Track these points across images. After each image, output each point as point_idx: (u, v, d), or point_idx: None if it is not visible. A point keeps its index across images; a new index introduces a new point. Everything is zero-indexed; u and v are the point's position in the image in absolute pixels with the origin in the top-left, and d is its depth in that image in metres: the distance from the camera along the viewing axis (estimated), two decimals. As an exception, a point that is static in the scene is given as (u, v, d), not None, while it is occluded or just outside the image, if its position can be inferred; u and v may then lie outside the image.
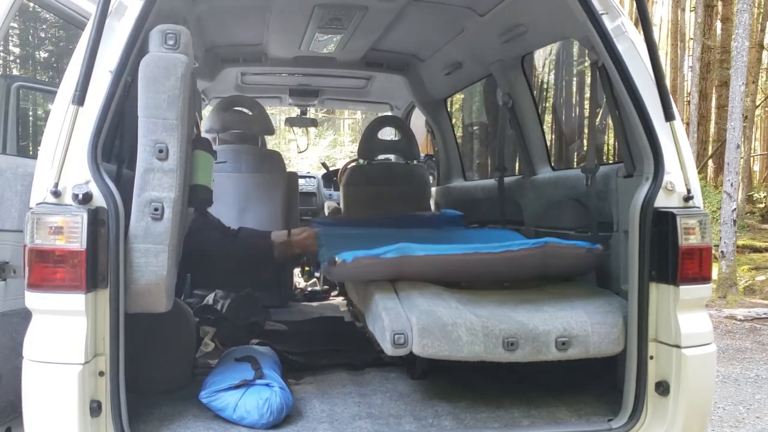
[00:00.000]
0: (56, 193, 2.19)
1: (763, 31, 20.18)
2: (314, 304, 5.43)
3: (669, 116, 2.56)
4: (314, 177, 7.65)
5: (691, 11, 22.82)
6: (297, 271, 6.00)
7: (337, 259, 2.59)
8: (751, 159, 23.37)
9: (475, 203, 4.99)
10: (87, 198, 2.19)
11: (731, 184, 10.43)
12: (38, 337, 2.20)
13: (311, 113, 7.67)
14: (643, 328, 2.55)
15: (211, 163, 3.07)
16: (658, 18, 28.96)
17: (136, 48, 2.40)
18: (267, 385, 2.65)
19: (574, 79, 13.12)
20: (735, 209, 10.64)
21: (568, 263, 2.92)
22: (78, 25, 3.34)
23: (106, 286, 2.23)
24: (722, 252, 10.39)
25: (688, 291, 2.50)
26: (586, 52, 3.14)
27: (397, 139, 5.91)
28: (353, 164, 6.15)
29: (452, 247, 2.83)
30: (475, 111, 7.91)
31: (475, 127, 7.94)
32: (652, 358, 2.55)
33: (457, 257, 2.78)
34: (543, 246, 2.79)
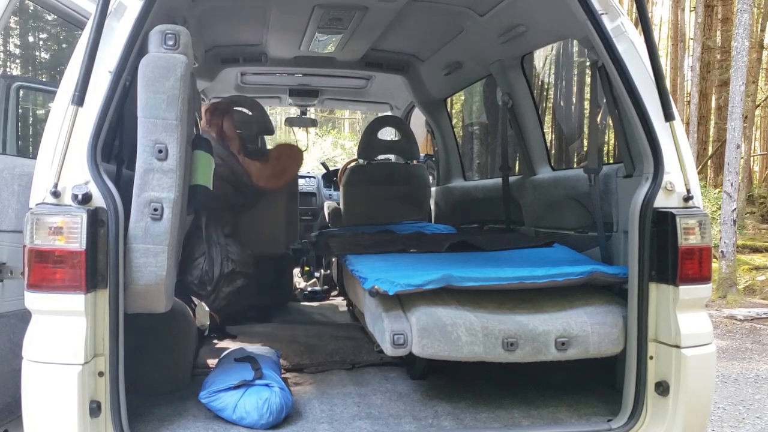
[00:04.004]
0: (56, 194, 2.19)
1: (763, 31, 20.18)
2: (314, 304, 5.43)
3: (669, 116, 2.56)
4: (314, 177, 7.65)
5: (691, 11, 22.84)
6: (297, 271, 6.00)
7: (378, 289, 2.60)
8: (751, 159, 23.37)
9: (475, 203, 4.99)
10: (86, 198, 2.19)
11: (731, 184, 10.42)
12: (38, 338, 2.20)
13: (311, 113, 7.66)
14: (642, 329, 2.55)
15: (211, 163, 3.07)
16: (658, 18, 28.97)
17: (135, 48, 2.39)
18: (266, 385, 2.65)
19: (574, 79, 13.12)
20: (735, 209, 10.64)
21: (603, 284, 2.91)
22: (78, 25, 3.34)
23: (105, 287, 2.23)
24: (722, 252, 10.39)
25: (687, 291, 2.50)
26: (586, 52, 3.14)
27: (397, 139, 5.91)
28: (353, 164, 6.15)
29: (496, 274, 2.77)
30: (475, 111, 7.92)
31: (475, 127, 7.94)
32: (651, 358, 2.55)
33: (502, 287, 2.75)
34: (588, 276, 2.76)
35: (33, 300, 2.20)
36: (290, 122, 6.95)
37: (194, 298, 3.69)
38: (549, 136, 10.75)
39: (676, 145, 2.56)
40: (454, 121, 6.80)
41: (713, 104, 19.81)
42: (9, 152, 3.15)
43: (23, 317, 2.28)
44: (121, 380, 2.27)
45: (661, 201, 2.54)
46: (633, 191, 2.63)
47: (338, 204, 6.18)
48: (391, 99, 6.39)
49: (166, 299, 2.48)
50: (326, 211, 6.68)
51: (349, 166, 5.98)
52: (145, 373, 2.78)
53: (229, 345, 3.51)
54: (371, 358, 3.45)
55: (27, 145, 4.68)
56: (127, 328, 2.31)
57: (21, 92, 3.43)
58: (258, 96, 5.71)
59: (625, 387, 2.62)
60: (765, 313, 9.05)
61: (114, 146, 2.58)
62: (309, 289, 5.76)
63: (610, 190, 3.08)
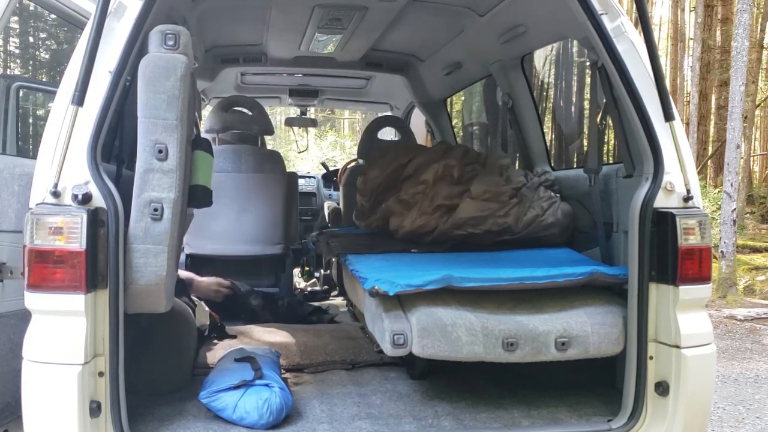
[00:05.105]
0: (56, 194, 2.19)
1: (763, 31, 20.17)
2: (314, 304, 5.42)
3: (668, 116, 2.56)
4: (314, 177, 7.65)
5: (691, 11, 22.84)
6: (297, 271, 6.00)
7: (378, 289, 2.60)
8: (751, 159, 23.37)
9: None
10: (87, 198, 2.19)
11: (731, 184, 10.42)
12: (38, 338, 2.20)
13: (311, 113, 7.67)
14: (642, 329, 2.55)
15: (211, 163, 3.07)
16: (658, 18, 28.97)
17: (135, 48, 2.39)
18: (266, 385, 2.65)
19: (574, 79, 13.12)
20: (735, 209, 10.64)
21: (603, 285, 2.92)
22: (78, 25, 3.35)
23: (105, 287, 2.22)
24: (722, 252, 10.39)
25: (687, 291, 2.50)
26: (586, 52, 3.14)
27: (397, 139, 5.90)
28: (353, 164, 6.14)
29: (497, 274, 2.77)
30: (475, 111, 7.91)
31: (475, 127, 7.94)
32: (651, 358, 2.55)
33: (502, 287, 2.75)
34: (589, 276, 2.76)
35: (33, 300, 2.20)
36: (290, 122, 6.95)
37: (194, 298, 3.69)
38: (549, 136, 10.76)
39: (676, 146, 2.56)
40: (454, 121, 6.80)
41: (713, 104, 19.81)
42: (9, 152, 3.15)
43: (23, 317, 2.28)
44: (121, 380, 2.27)
45: (661, 201, 2.54)
46: (633, 191, 2.63)
47: (338, 204, 6.17)
48: (391, 99, 6.39)
49: (166, 299, 2.48)
50: (326, 211, 6.68)
51: (349, 166, 5.98)
52: (145, 373, 2.78)
53: (229, 345, 3.51)
54: (371, 358, 3.45)
55: (27, 145, 4.68)
56: (127, 328, 2.31)
57: (21, 92, 3.43)
58: (258, 96, 5.70)
59: (625, 387, 2.62)
60: (765, 313, 9.05)
61: (114, 146, 2.58)
62: (309, 289, 5.75)
63: (610, 190, 3.08)
